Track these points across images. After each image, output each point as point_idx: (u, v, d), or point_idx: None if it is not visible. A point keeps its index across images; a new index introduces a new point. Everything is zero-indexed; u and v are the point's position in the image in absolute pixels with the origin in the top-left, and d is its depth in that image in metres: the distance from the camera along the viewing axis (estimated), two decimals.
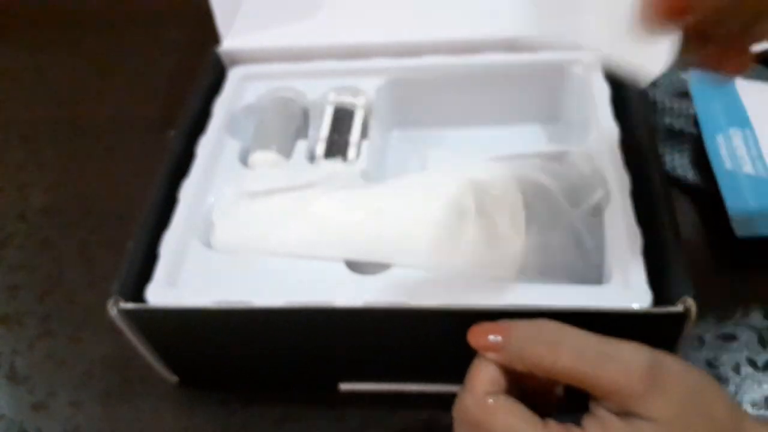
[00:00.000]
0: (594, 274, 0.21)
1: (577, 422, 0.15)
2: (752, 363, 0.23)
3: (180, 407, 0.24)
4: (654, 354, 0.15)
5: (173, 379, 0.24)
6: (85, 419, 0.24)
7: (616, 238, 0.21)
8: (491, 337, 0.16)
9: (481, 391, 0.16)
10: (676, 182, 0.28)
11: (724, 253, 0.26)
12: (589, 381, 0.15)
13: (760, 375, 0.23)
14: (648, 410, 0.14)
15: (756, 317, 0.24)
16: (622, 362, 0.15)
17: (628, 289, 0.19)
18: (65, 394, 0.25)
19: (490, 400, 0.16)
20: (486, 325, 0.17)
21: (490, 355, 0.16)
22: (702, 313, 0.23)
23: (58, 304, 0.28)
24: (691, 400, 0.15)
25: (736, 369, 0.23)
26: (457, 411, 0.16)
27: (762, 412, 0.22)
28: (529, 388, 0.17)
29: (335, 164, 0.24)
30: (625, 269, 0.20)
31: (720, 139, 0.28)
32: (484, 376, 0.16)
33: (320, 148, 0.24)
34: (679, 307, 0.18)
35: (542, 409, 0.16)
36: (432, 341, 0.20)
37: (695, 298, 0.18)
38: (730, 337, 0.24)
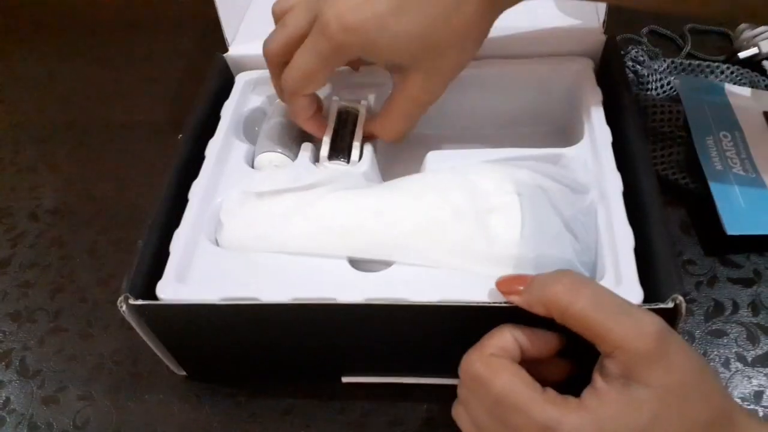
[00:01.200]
0: (587, 271, 0.21)
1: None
2: (742, 358, 0.24)
3: (188, 400, 0.25)
4: (662, 321, 0.15)
5: (181, 373, 0.25)
6: (95, 413, 0.25)
7: (608, 237, 0.21)
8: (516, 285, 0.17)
9: (489, 351, 0.16)
10: (666, 183, 0.28)
11: (713, 251, 0.26)
12: (601, 330, 0.15)
13: (749, 370, 0.23)
14: (648, 374, 0.14)
15: (745, 314, 0.25)
16: (635, 320, 0.15)
17: (620, 286, 0.20)
18: (75, 388, 0.26)
19: (495, 359, 0.16)
20: (515, 275, 0.18)
21: (513, 298, 0.17)
22: (692, 310, 0.24)
23: (69, 301, 0.29)
24: (691, 377, 0.15)
25: (726, 364, 0.23)
26: (463, 364, 0.17)
27: (752, 406, 0.22)
28: (538, 374, 0.17)
29: (338, 166, 0.25)
30: (617, 267, 0.20)
31: (710, 142, 0.28)
32: (497, 341, 0.17)
33: (324, 151, 0.25)
34: (669, 304, 0.18)
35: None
36: (431, 336, 0.21)
37: (685, 295, 0.18)
38: (720, 333, 0.24)
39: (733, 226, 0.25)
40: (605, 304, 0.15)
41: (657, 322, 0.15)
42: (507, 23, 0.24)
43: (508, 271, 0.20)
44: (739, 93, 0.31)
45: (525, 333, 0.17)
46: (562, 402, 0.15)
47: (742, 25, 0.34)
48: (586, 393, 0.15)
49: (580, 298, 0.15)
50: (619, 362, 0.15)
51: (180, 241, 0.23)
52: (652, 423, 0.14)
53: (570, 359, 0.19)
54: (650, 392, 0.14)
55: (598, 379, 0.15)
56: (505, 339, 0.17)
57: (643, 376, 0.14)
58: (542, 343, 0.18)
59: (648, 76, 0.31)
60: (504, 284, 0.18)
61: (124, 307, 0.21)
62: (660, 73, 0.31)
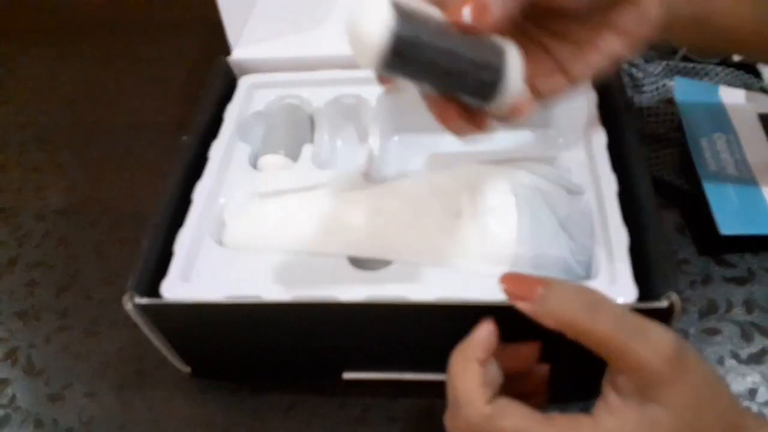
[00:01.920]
0: (582, 270, 0.22)
1: (587, 410, 0.15)
2: (736, 356, 0.24)
3: (192, 397, 0.25)
4: (679, 339, 0.15)
5: (185, 370, 0.25)
6: (100, 410, 0.25)
7: (603, 236, 0.22)
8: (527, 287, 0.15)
9: (479, 400, 0.15)
10: (661, 184, 0.29)
11: (707, 251, 0.27)
12: (619, 351, 0.14)
13: (743, 367, 0.23)
14: (666, 395, 0.14)
15: (739, 312, 0.25)
16: (653, 341, 0.14)
17: (615, 284, 0.20)
18: (81, 385, 0.26)
19: (490, 409, 0.15)
20: (523, 276, 0.16)
21: (522, 304, 0.15)
22: (686, 308, 0.24)
23: (75, 300, 0.29)
24: (704, 391, 0.15)
25: (720, 362, 0.24)
26: (457, 426, 0.16)
27: (746, 403, 0.23)
28: (512, 374, 0.17)
29: (339, 167, 0.26)
30: (612, 266, 0.21)
31: (704, 143, 0.29)
32: (473, 382, 0.15)
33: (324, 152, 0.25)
34: (663, 303, 0.19)
35: (533, 399, 0.16)
36: (430, 333, 0.21)
37: (679, 293, 0.19)
38: (714, 331, 0.25)
39: (726, 226, 0.25)
40: (624, 326, 0.15)
41: (674, 341, 0.15)
42: None
43: (504, 269, 0.20)
44: (733, 95, 0.31)
45: (499, 353, 0.16)
46: (575, 425, 0.15)
47: None
48: (600, 409, 0.15)
49: (600, 322, 0.15)
50: (634, 381, 0.15)
51: (184, 240, 0.23)
52: None
53: (548, 362, 0.18)
54: (668, 413, 0.14)
55: (611, 394, 0.15)
56: (477, 374, 0.16)
57: (660, 396, 0.14)
58: (520, 357, 0.17)
59: (643, 78, 0.31)
60: (510, 285, 0.16)
61: (129, 306, 0.21)
62: (655, 75, 0.32)
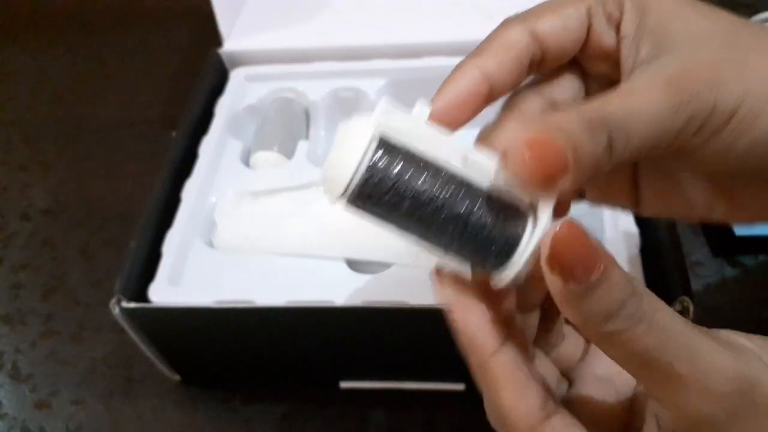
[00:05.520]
0: None
1: None
2: None
3: (182, 405, 0.24)
4: (751, 365, 0.10)
5: (175, 377, 0.25)
6: (88, 417, 0.24)
7: (614, 237, 0.21)
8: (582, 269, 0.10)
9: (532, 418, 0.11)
10: None
11: (721, 252, 0.26)
12: (656, 378, 0.10)
13: None
14: None
15: (754, 316, 0.24)
16: (702, 368, 0.10)
17: None
18: (68, 392, 0.25)
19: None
20: (587, 238, 0.10)
21: (560, 285, 0.10)
22: (699, 312, 0.23)
23: (61, 303, 0.28)
24: None
25: None
26: None
27: None
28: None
29: None
30: (623, 268, 0.20)
31: None
32: (523, 399, 0.11)
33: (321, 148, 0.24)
34: (676, 306, 0.18)
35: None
36: (431, 340, 0.20)
37: (692, 297, 0.18)
38: None
39: (741, 227, 0.25)
40: (673, 343, 0.10)
41: (733, 374, 0.10)
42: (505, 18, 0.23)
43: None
44: None
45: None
46: None
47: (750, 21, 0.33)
48: None
49: (646, 335, 0.10)
50: (675, 419, 0.11)
51: (173, 242, 0.22)
52: None
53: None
54: None
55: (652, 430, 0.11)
56: (526, 388, 0.11)
57: None
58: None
59: None
60: (566, 240, 0.10)
61: (116, 310, 0.20)
62: None
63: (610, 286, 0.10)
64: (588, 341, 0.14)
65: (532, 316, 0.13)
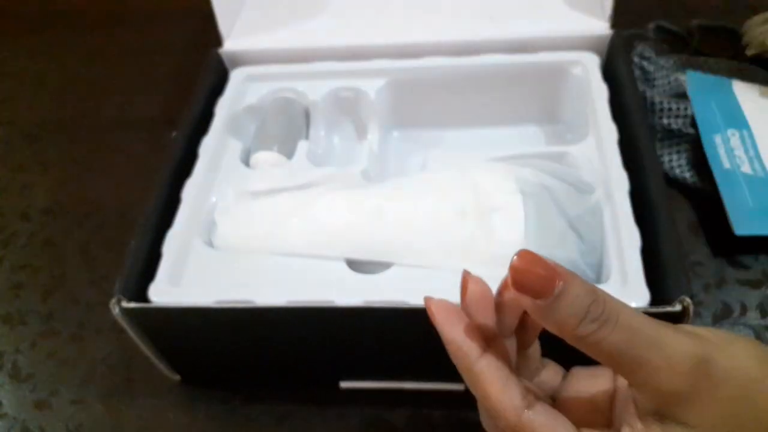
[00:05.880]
0: (592, 272, 0.21)
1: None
2: None
3: (182, 405, 0.24)
4: (705, 346, 0.12)
5: (175, 377, 0.25)
6: (88, 417, 0.24)
7: (614, 237, 0.21)
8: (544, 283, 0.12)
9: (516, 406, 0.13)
10: (674, 182, 0.28)
11: (721, 252, 0.26)
12: (630, 367, 0.12)
13: None
14: (688, 415, 0.12)
15: (753, 316, 0.24)
16: (667, 353, 0.12)
17: (626, 287, 0.19)
18: (67, 392, 0.25)
19: (528, 414, 0.13)
20: (542, 260, 0.12)
21: (530, 302, 0.12)
22: (699, 312, 0.23)
23: (61, 303, 0.28)
24: (740, 403, 0.12)
25: None
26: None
27: None
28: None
29: (336, 165, 0.25)
30: (624, 268, 0.20)
31: (718, 140, 0.28)
32: (506, 392, 0.13)
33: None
34: (676, 306, 0.18)
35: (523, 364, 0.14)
36: (432, 340, 0.20)
37: (692, 297, 0.18)
38: None
39: (741, 227, 0.25)
40: (638, 337, 0.12)
41: (691, 350, 0.12)
42: (511, 16, 0.23)
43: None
44: (746, 89, 0.30)
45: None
46: None
47: (750, 22, 0.33)
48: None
49: (614, 333, 0.12)
50: (652, 400, 0.13)
51: (173, 241, 0.22)
52: None
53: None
54: None
55: (635, 421, 0.13)
56: (506, 382, 0.13)
57: (682, 416, 0.12)
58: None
59: (654, 72, 0.30)
60: (525, 268, 0.12)
61: (116, 310, 0.20)
62: (667, 69, 0.31)
63: (572, 297, 0.12)
64: (565, 369, 0.16)
65: (509, 342, 0.15)
